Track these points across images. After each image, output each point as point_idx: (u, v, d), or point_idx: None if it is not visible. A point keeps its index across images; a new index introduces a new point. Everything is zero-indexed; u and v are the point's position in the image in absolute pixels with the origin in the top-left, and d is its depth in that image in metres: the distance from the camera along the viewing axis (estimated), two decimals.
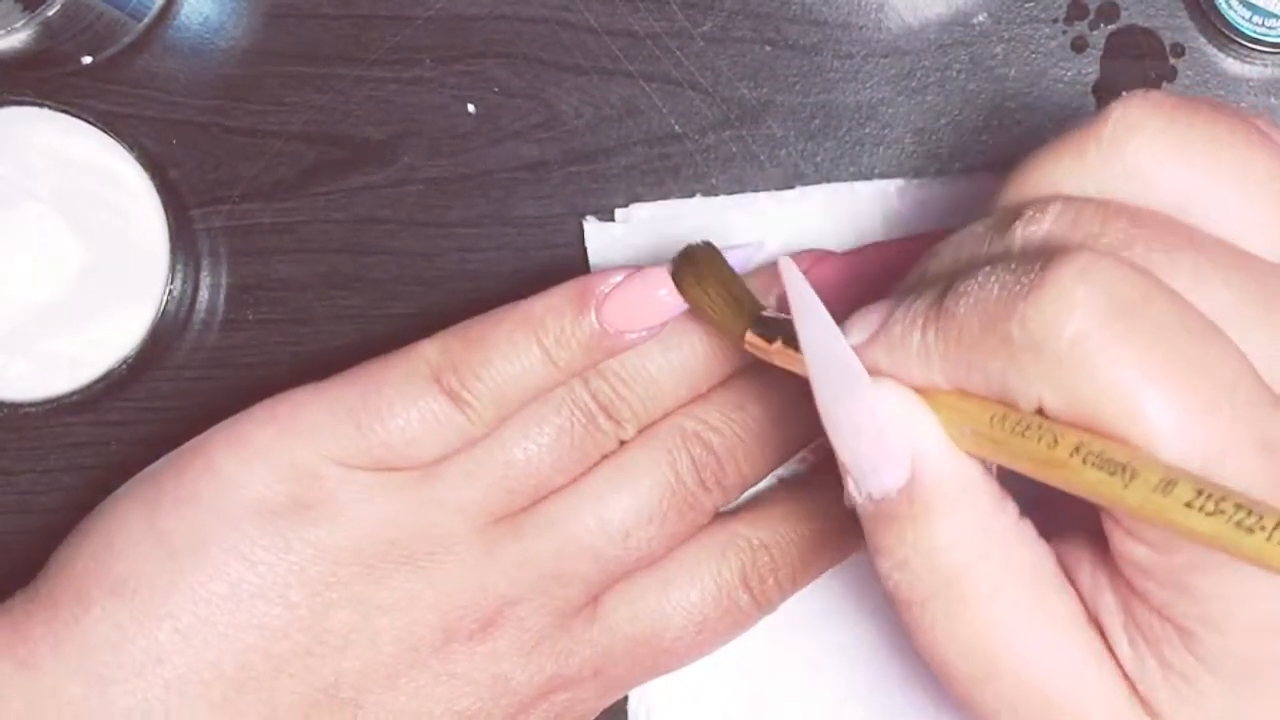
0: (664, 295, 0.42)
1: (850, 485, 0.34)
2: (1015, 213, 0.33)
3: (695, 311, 0.42)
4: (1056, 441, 0.30)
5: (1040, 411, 0.31)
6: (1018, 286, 0.31)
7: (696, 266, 0.42)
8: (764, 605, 0.45)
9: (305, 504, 0.41)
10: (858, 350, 0.34)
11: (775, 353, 0.38)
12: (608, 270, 0.43)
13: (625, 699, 0.48)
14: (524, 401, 0.42)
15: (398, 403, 0.42)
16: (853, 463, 0.33)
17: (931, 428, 0.33)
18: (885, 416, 0.33)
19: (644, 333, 0.42)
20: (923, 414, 0.33)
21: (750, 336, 0.39)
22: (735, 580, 0.44)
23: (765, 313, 0.39)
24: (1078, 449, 0.30)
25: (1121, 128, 0.33)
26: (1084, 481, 0.30)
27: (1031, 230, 0.33)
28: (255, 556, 0.41)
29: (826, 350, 0.33)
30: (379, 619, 0.42)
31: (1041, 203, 0.33)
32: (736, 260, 0.42)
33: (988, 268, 0.32)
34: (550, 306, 0.42)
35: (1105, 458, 0.30)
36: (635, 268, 0.42)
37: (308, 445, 0.42)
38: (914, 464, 0.33)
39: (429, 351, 0.42)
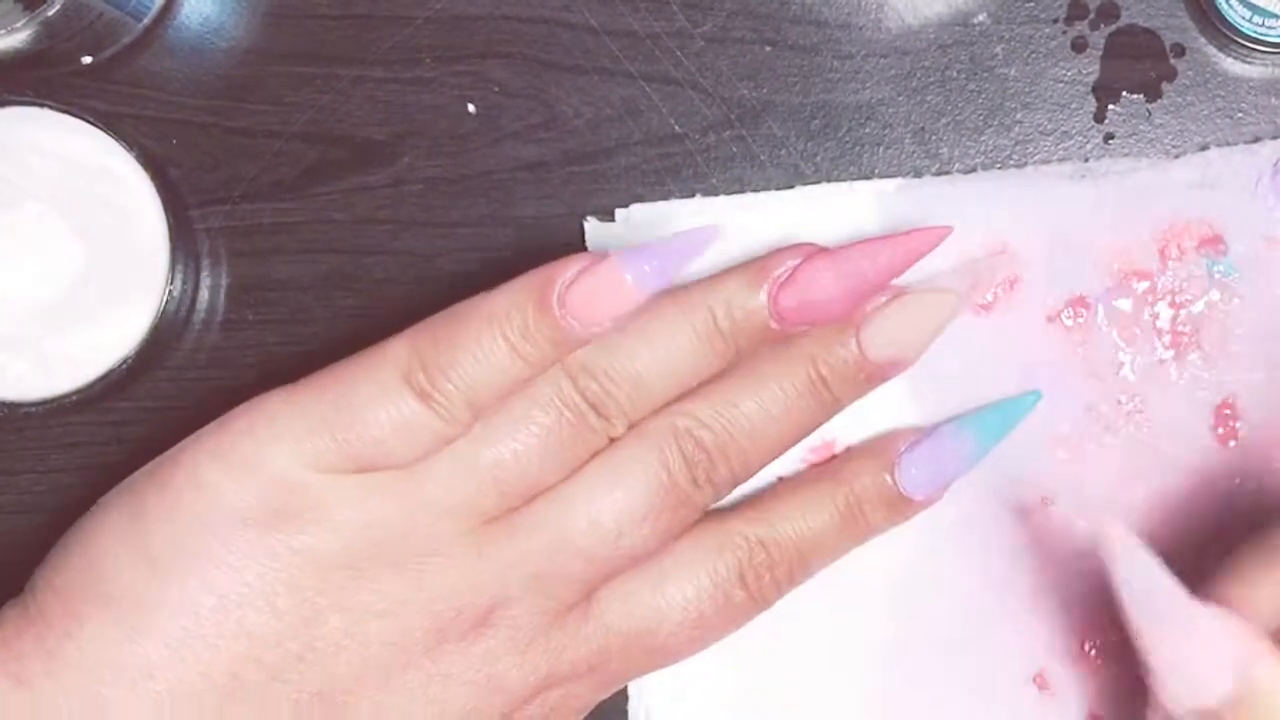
0: (627, 282, 0.41)
1: (1165, 694, 0.35)
2: None
3: None
4: None
5: None
6: None
7: None
8: (760, 602, 0.45)
9: (290, 513, 0.41)
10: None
11: None
12: (568, 259, 0.42)
13: (625, 700, 0.48)
14: (498, 398, 0.42)
15: (370, 406, 0.41)
16: (1172, 672, 0.35)
17: (1262, 648, 0.34)
18: (1211, 636, 0.34)
19: (610, 323, 0.42)
20: (1254, 637, 0.35)
21: None
22: (732, 577, 0.44)
23: None
24: None
25: None
26: None
27: None
28: (242, 567, 0.41)
29: (1147, 581, 0.35)
30: (370, 623, 0.42)
31: None
32: (688, 243, 0.42)
33: None
34: (514, 302, 0.42)
35: None
36: (597, 255, 0.42)
37: (287, 455, 0.41)
38: (1244, 676, 0.34)
39: (398, 351, 0.42)
